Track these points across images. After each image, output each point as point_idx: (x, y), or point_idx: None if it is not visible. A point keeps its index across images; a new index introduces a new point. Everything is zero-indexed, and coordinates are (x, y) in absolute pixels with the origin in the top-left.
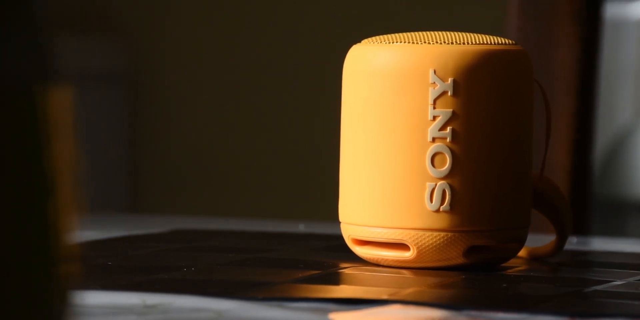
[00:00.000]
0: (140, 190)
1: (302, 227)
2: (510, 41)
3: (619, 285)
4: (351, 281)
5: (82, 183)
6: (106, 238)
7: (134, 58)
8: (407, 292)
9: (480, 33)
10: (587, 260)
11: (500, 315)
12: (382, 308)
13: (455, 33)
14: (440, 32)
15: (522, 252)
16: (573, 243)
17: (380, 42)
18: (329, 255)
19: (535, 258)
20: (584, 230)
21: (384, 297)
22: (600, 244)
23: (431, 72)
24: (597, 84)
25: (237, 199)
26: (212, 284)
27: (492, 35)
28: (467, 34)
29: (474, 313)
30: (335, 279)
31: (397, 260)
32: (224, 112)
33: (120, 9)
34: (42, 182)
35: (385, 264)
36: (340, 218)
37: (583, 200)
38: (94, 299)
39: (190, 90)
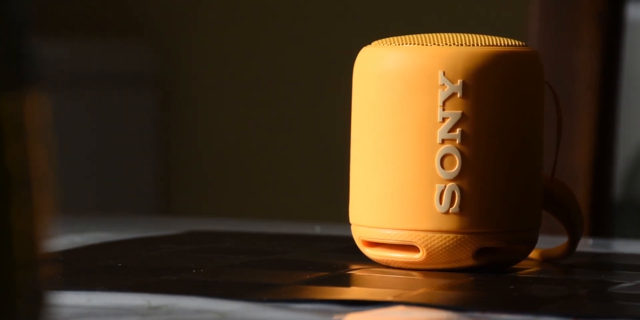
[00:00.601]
0: (169, 192)
1: (318, 229)
2: (520, 42)
3: (628, 287)
4: (358, 283)
5: (52, 187)
6: (119, 240)
7: (164, 60)
8: (413, 293)
9: (499, 35)
10: (600, 262)
11: (504, 316)
12: (385, 309)
13: (465, 35)
14: (449, 34)
15: (534, 254)
16: (589, 245)
17: (390, 43)
18: (339, 257)
19: (547, 260)
20: (605, 232)
21: (389, 298)
22: (620, 246)
23: (440, 73)
24: (619, 85)
25: (266, 201)
26: (218, 285)
27: (502, 36)
28: (477, 35)
29: (477, 315)
30: (342, 281)
31: (407, 262)
32: (253, 114)
33: (150, 12)
34: (4, 186)
35: (395, 265)
36: (351, 220)
37: (604, 203)
38: (99, 300)
39: (219, 93)
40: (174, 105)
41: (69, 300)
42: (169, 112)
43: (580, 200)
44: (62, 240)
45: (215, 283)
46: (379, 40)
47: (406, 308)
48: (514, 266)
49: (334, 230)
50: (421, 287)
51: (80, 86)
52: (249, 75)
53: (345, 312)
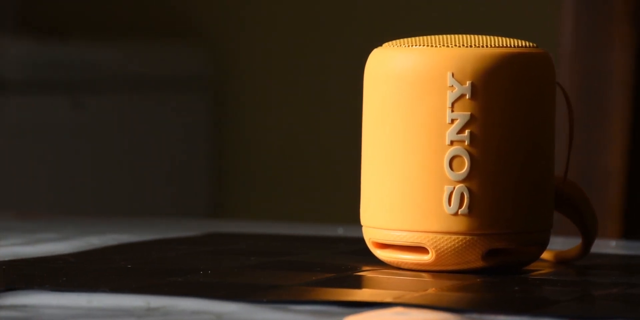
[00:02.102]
0: (223, 195)
1: (340, 231)
2: (531, 44)
3: (634, 289)
4: (363, 284)
5: None
6: (136, 241)
7: (217, 64)
8: (415, 295)
9: (531, 37)
10: (621, 264)
11: (501, 317)
12: (380, 311)
13: (475, 36)
14: (460, 35)
15: (549, 256)
16: (611, 246)
17: (400, 45)
18: (352, 258)
19: (561, 262)
20: (636, 234)
21: (388, 300)
22: None
23: (449, 75)
24: None
25: (310, 204)
26: (222, 286)
27: (531, 40)
28: (487, 36)
29: (475, 316)
30: (348, 282)
31: (417, 264)
32: (303, 117)
33: (204, 15)
34: None
35: (405, 267)
36: (362, 221)
37: (638, 205)
38: (99, 301)
39: (273, 96)
40: (227, 108)
41: (69, 301)
42: (223, 115)
43: (613, 202)
44: (79, 242)
45: (219, 284)
46: (391, 42)
47: (403, 309)
48: (526, 268)
49: (356, 232)
50: (426, 288)
51: (135, 89)
52: (299, 79)
53: (344, 314)
